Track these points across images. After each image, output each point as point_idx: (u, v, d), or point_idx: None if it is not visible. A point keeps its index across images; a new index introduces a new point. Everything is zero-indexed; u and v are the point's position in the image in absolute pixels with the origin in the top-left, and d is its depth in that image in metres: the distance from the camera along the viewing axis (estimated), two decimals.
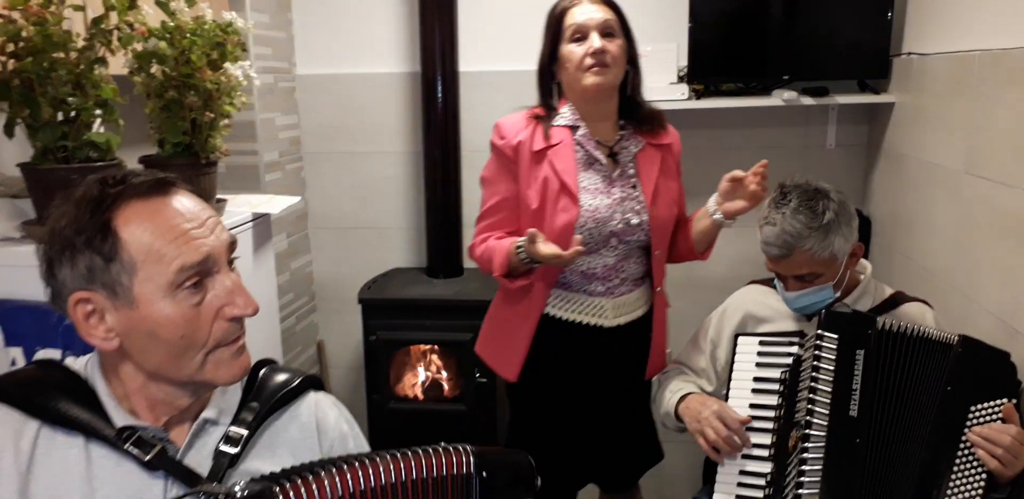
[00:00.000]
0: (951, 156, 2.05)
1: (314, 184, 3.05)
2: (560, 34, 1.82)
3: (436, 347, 2.80)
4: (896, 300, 1.80)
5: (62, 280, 0.97)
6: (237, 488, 0.92)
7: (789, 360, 1.68)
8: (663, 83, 2.60)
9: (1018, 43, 1.73)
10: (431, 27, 2.69)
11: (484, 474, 1.04)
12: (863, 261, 1.84)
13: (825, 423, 1.55)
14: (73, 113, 1.52)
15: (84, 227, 0.95)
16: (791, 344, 1.71)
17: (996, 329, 1.80)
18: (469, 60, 2.79)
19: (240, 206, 2.00)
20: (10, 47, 1.45)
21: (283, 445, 1.11)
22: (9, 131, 1.52)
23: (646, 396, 2.07)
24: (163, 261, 0.95)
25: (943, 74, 2.13)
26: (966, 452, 1.50)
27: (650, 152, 1.90)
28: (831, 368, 1.58)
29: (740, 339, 1.80)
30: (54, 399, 1.00)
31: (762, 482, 1.62)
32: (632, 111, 1.91)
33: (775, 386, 1.68)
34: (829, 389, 1.57)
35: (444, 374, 2.83)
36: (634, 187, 1.87)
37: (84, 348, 1.00)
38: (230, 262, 1.04)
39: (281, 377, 1.15)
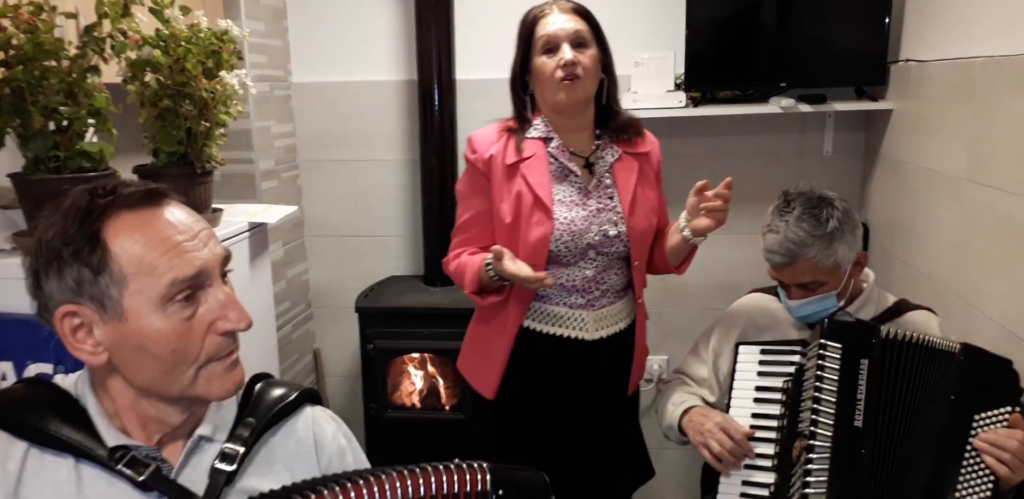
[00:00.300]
0: (952, 163, 2.04)
1: (310, 192, 3.03)
2: (531, 45, 1.78)
3: (433, 356, 2.78)
4: (900, 308, 1.79)
5: (49, 293, 0.95)
6: None
7: (791, 369, 1.67)
8: (660, 91, 2.59)
9: (1020, 50, 1.72)
10: (428, 35, 2.68)
11: (500, 492, 1.00)
12: (866, 269, 1.82)
13: (830, 433, 1.53)
14: (65, 122, 1.50)
15: (72, 238, 0.93)
16: (793, 353, 1.70)
17: (1000, 337, 1.79)
18: (466, 68, 2.78)
19: (236, 216, 1.99)
20: (0, 55, 1.43)
21: (280, 461, 1.09)
22: None
23: (633, 411, 2.04)
24: (154, 274, 0.93)
25: (943, 81, 2.12)
26: (971, 461, 1.49)
27: (627, 161, 1.86)
28: (835, 378, 1.56)
29: (741, 348, 1.78)
30: (43, 419, 0.97)
31: (766, 493, 1.61)
32: (609, 120, 1.88)
33: (777, 395, 1.67)
34: (833, 399, 1.55)
35: (442, 383, 2.81)
36: (611, 198, 1.83)
37: (76, 363, 0.98)
38: (223, 275, 1.02)
39: (277, 391, 1.13)
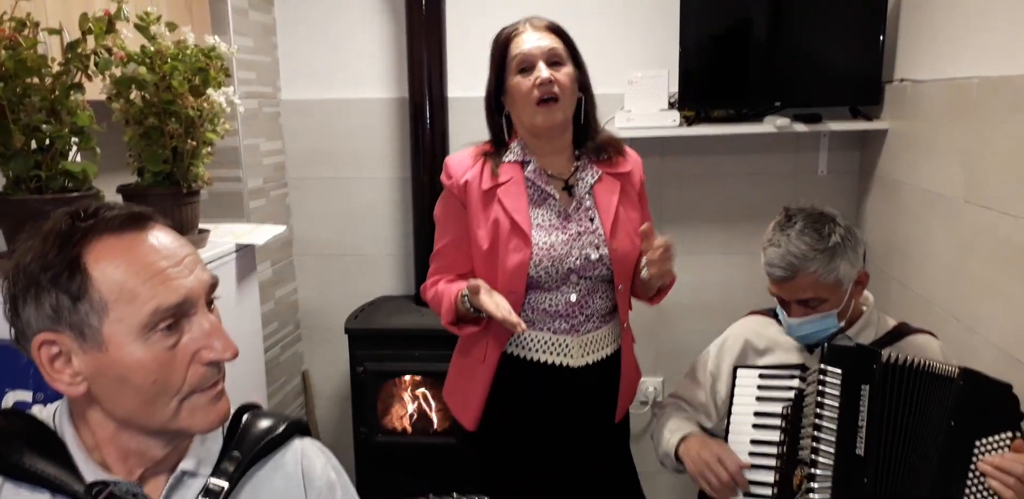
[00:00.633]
0: (949, 184, 2.03)
1: (299, 211, 2.99)
2: (506, 65, 1.73)
3: (425, 378, 2.74)
4: (900, 332, 1.76)
5: (26, 320, 0.91)
6: None
7: (790, 394, 1.64)
8: (654, 110, 2.57)
9: (1018, 71, 1.71)
10: (419, 52, 2.66)
11: None
12: (866, 293, 1.79)
13: (831, 462, 1.51)
14: (47, 141, 1.46)
15: (51, 263, 0.89)
16: (792, 377, 1.67)
17: (998, 360, 1.77)
18: (458, 85, 2.75)
19: (223, 236, 1.95)
20: None
21: (267, 497, 1.05)
22: None
23: (623, 438, 1.97)
24: (136, 302, 0.89)
25: (938, 101, 2.11)
26: (974, 489, 1.46)
27: (608, 182, 1.80)
28: (835, 404, 1.54)
29: (739, 371, 1.75)
30: (18, 452, 0.93)
31: None
32: (587, 139, 1.82)
33: (776, 421, 1.64)
34: (834, 426, 1.53)
35: (433, 406, 2.76)
36: (591, 220, 1.77)
37: (57, 392, 0.94)
38: (210, 302, 0.98)
39: (265, 423, 1.09)
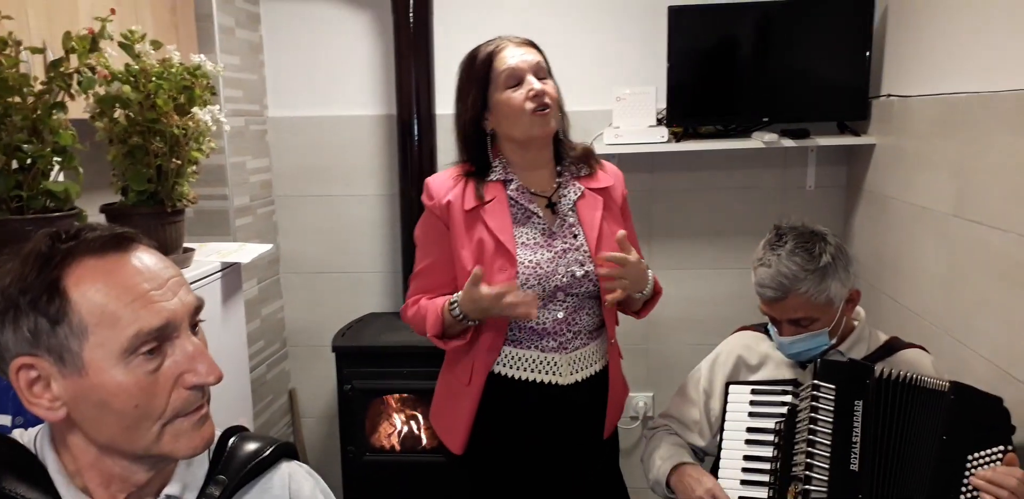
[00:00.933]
0: (939, 199, 2.03)
1: (286, 228, 2.97)
2: (491, 81, 1.72)
3: (413, 396, 2.71)
4: (892, 346, 1.75)
5: (4, 343, 0.88)
6: None
7: (783, 409, 1.63)
8: (642, 126, 2.58)
9: (1007, 86, 1.72)
10: (407, 69, 2.66)
11: None
12: (858, 308, 1.79)
13: (825, 478, 1.50)
14: (29, 161, 1.44)
15: (30, 286, 0.87)
16: (785, 393, 1.66)
17: (991, 375, 1.76)
18: (446, 102, 2.74)
19: (209, 255, 1.92)
20: None
21: None
22: None
23: (613, 454, 1.95)
24: (118, 326, 0.87)
25: (926, 116, 2.12)
26: None
27: (591, 198, 1.80)
28: (829, 420, 1.53)
29: (731, 387, 1.74)
30: (0, 477, 0.91)
31: None
32: (564, 153, 1.82)
33: (769, 437, 1.63)
34: (828, 442, 1.52)
35: (422, 423, 2.74)
36: (575, 237, 1.76)
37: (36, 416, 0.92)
38: (194, 325, 0.96)
39: (251, 446, 1.06)
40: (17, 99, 1.43)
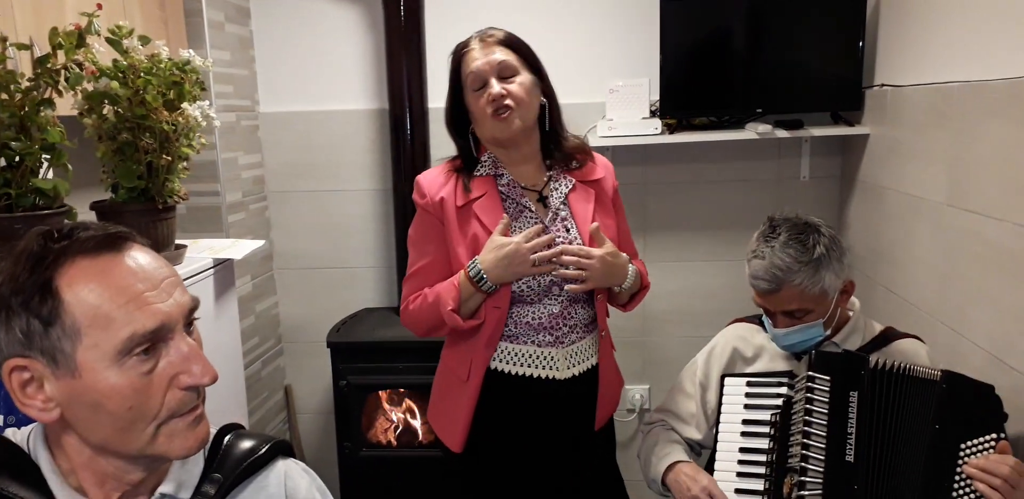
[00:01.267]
0: (932, 188, 2.03)
1: (279, 224, 2.96)
2: (461, 84, 1.73)
3: (409, 391, 2.71)
4: (887, 337, 1.75)
5: None
6: None
7: (778, 401, 1.63)
8: (635, 118, 2.57)
9: (998, 75, 1.71)
10: (398, 63, 2.64)
11: None
12: (853, 298, 1.79)
13: (821, 469, 1.50)
14: (17, 158, 1.43)
15: (22, 287, 0.86)
16: (780, 385, 1.66)
17: (986, 364, 1.76)
18: (438, 96, 2.73)
19: (201, 251, 1.91)
20: None
21: None
22: None
23: (610, 446, 1.95)
24: (111, 327, 0.86)
25: (920, 106, 2.11)
26: (961, 493, 1.45)
27: (582, 191, 1.79)
28: (824, 411, 1.53)
29: (727, 380, 1.74)
30: None
31: None
32: (555, 146, 1.80)
33: (765, 429, 1.63)
34: (823, 433, 1.52)
35: (418, 419, 2.73)
36: (568, 230, 1.76)
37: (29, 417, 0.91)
38: (189, 323, 0.95)
39: (247, 444, 1.06)
40: (4, 96, 1.42)
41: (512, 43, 1.74)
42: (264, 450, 1.05)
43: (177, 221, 1.83)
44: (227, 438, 1.06)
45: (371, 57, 2.83)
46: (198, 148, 1.75)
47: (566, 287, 1.71)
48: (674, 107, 2.58)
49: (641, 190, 2.81)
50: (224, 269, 1.93)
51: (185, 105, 1.68)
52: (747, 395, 1.70)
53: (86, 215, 1.67)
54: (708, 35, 2.57)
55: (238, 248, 1.95)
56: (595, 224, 1.71)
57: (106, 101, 1.61)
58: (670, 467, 1.72)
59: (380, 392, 2.71)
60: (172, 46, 1.73)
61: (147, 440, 0.90)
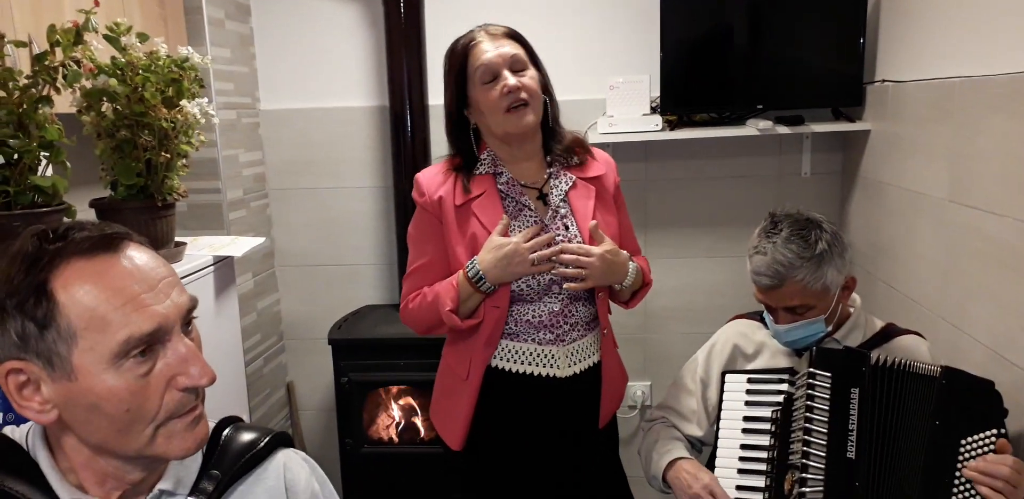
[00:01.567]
0: (934, 184, 2.02)
1: (280, 221, 2.96)
2: (467, 77, 1.69)
3: (410, 388, 2.71)
4: (888, 333, 1.75)
5: None
6: None
7: (779, 398, 1.63)
8: (636, 114, 2.56)
9: (999, 70, 1.71)
10: (398, 60, 2.64)
11: None
12: (854, 295, 1.78)
13: (822, 466, 1.49)
14: (15, 156, 1.43)
15: (16, 289, 0.85)
16: (781, 382, 1.65)
17: (987, 360, 1.75)
18: (438, 93, 2.72)
19: (201, 249, 1.91)
20: None
21: None
22: None
23: (612, 443, 1.94)
24: (107, 330, 0.85)
25: (921, 101, 2.11)
26: (962, 488, 1.45)
27: (582, 188, 1.77)
28: (825, 408, 1.52)
29: (728, 377, 1.74)
30: None
31: None
32: (554, 142, 1.79)
33: (766, 426, 1.63)
34: (824, 430, 1.51)
35: (420, 415, 2.73)
36: (567, 228, 1.74)
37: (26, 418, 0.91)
38: (188, 323, 0.94)
39: (246, 438, 1.05)
40: (2, 93, 1.42)
41: (517, 37, 1.73)
42: (263, 444, 1.05)
43: (178, 218, 1.83)
44: (226, 432, 1.05)
45: (371, 54, 2.82)
46: (197, 145, 1.75)
47: (565, 286, 1.70)
48: (675, 103, 2.57)
49: (642, 187, 2.81)
50: (224, 266, 1.92)
51: (184, 102, 1.68)
52: (748, 392, 1.69)
53: (85, 212, 1.67)
54: (708, 31, 2.56)
55: (238, 245, 1.95)
56: (594, 222, 1.70)
57: (104, 98, 1.61)
58: (671, 464, 1.71)
59: (381, 389, 2.71)
60: (172, 43, 1.73)
61: (145, 441, 0.90)
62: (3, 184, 1.42)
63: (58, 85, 1.49)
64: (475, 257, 1.67)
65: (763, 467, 1.61)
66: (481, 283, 1.66)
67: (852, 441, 1.50)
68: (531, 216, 1.74)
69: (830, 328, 1.69)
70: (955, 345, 1.90)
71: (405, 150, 2.68)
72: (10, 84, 1.42)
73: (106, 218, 1.71)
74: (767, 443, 1.62)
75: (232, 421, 1.08)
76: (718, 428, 1.70)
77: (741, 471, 1.64)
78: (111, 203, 1.70)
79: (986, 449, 1.46)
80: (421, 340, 2.54)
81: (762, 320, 1.81)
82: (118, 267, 0.88)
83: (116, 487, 0.94)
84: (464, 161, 1.76)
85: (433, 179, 1.75)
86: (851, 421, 1.51)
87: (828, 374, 1.54)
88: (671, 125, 2.59)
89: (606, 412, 1.85)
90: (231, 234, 2.59)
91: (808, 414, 1.52)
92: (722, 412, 1.70)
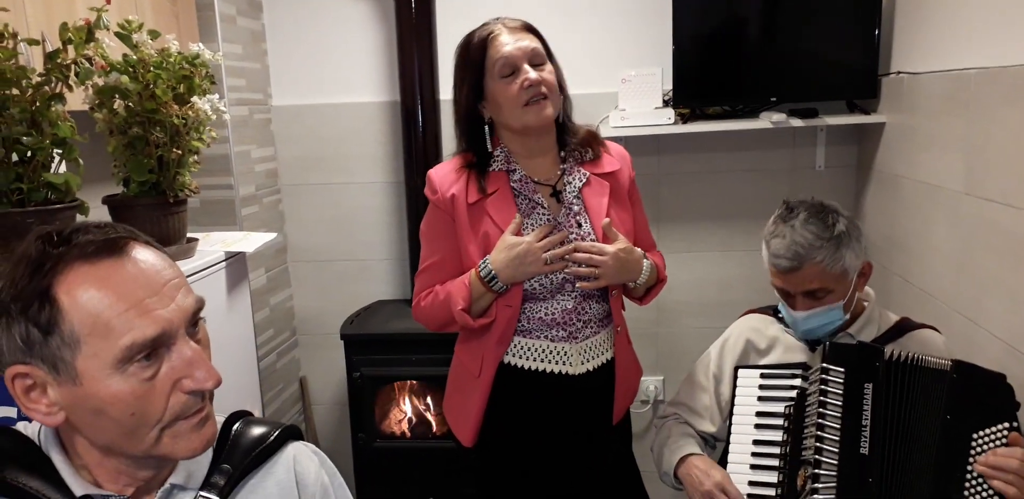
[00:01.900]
0: (949, 177, 2.00)
1: (293, 217, 2.96)
2: (484, 70, 1.67)
3: (422, 383, 2.71)
4: (903, 327, 1.73)
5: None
6: None
7: (792, 393, 1.62)
8: (648, 108, 2.55)
9: (1016, 61, 1.68)
10: (410, 55, 2.63)
11: None
12: (868, 289, 1.77)
13: (835, 462, 1.48)
14: (28, 153, 1.43)
15: (21, 293, 0.85)
16: (794, 377, 1.64)
17: (1003, 354, 1.74)
18: (450, 88, 2.71)
19: (213, 245, 1.92)
20: None
21: None
22: None
23: (626, 440, 1.93)
24: (111, 336, 0.85)
25: (936, 93, 2.08)
26: (974, 482, 1.44)
27: (596, 184, 1.75)
28: (839, 403, 1.52)
29: (740, 372, 1.73)
30: (3, 468, 0.91)
31: None
32: (568, 137, 1.77)
33: (779, 421, 1.62)
34: (838, 426, 1.50)
35: (432, 410, 2.74)
36: (580, 225, 1.73)
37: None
38: (194, 323, 0.94)
39: (256, 432, 1.06)
40: (15, 91, 1.42)
41: (534, 31, 1.71)
42: (273, 437, 1.05)
43: (191, 214, 1.84)
44: (236, 426, 1.05)
45: (383, 49, 2.82)
46: (208, 142, 1.76)
47: (578, 284, 1.69)
48: (687, 96, 2.55)
49: (654, 180, 2.80)
50: (236, 262, 1.93)
51: (195, 99, 1.69)
52: (761, 387, 1.68)
53: (98, 209, 1.68)
54: (721, 23, 2.54)
55: (250, 241, 1.96)
56: (607, 219, 1.69)
57: (116, 96, 1.61)
58: (682, 460, 1.71)
59: (394, 384, 2.72)
60: (183, 40, 1.74)
61: (151, 443, 0.90)
62: (16, 181, 1.43)
63: (70, 82, 1.50)
64: (487, 257, 1.66)
65: (776, 463, 1.60)
66: (493, 283, 1.66)
67: (865, 437, 1.49)
68: (544, 214, 1.73)
69: (847, 316, 1.68)
70: (970, 339, 1.88)
71: (416, 145, 2.68)
72: (23, 82, 1.42)
73: (118, 214, 1.71)
74: (780, 439, 1.61)
75: (242, 415, 1.08)
76: (730, 423, 1.69)
77: (754, 467, 1.63)
78: (123, 200, 1.71)
79: (998, 442, 1.45)
80: (433, 335, 2.52)
81: (775, 315, 1.80)
82: (122, 271, 0.88)
83: (130, 483, 0.95)
84: (477, 158, 1.75)
85: (446, 177, 1.74)
86: (864, 416, 1.50)
87: (842, 369, 1.53)
88: (684, 118, 2.58)
89: (620, 408, 1.84)
90: (244, 230, 2.60)
91: (821, 409, 1.51)
92: (735, 407, 1.69)
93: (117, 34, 1.60)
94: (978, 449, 1.45)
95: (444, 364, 1.92)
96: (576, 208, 1.74)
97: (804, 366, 1.64)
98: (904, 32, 2.34)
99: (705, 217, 2.83)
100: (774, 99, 2.53)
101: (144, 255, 0.91)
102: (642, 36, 2.70)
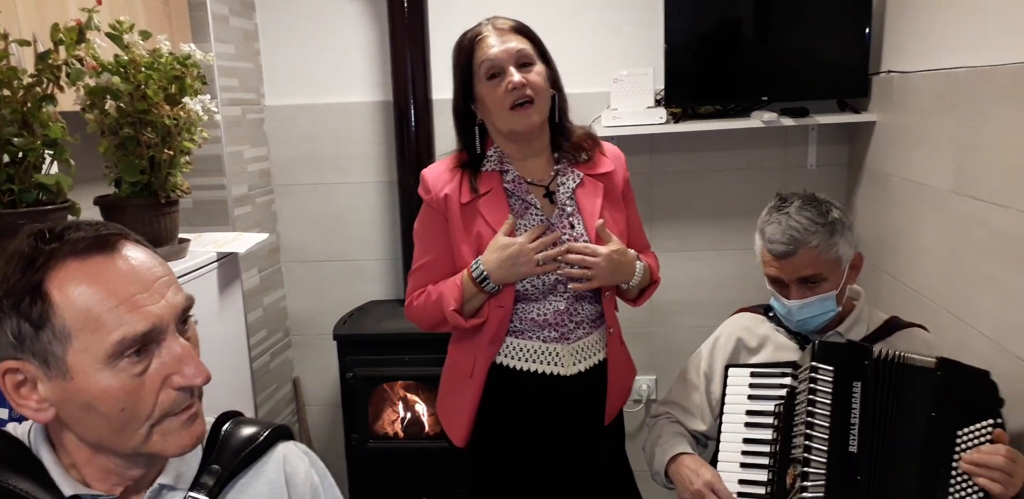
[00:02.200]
0: (939, 175, 2.01)
1: (286, 217, 2.97)
2: (472, 72, 1.66)
3: (415, 383, 2.72)
4: (892, 326, 1.74)
5: None
6: None
7: (782, 392, 1.62)
8: (640, 107, 2.56)
9: (1005, 60, 1.69)
10: (402, 54, 2.64)
11: None
12: (857, 287, 1.78)
13: (824, 460, 1.49)
14: (20, 154, 1.44)
15: (12, 289, 0.86)
16: (784, 375, 1.65)
17: (992, 353, 1.75)
18: (442, 87, 2.72)
19: (205, 245, 1.92)
20: None
21: None
22: None
23: (618, 440, 1.94)
24: (101, 331, 0.86)
25: (926, 92, 2.09)
26: (959, 480, 1.45)
27: (590, 185, 1.74)
28: (828, 402, 1.52)
29: (731, 370, 1.73)
30: None
31: None
32: (563, 138, 1.77)
33: (769, 419, 1.63)
34: (827, 424, 1.51)
35: (425, 410, 2.74)
36: (573, 227, 1.72)
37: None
38: (184, 321, 0.94)
39: (246, 432, 1.06)
40: (6, 92, 1.43)
41: (526, 31, 1.70)
42: (263, 438, 1.06)
43: (184, 215, 1.84)
44: (226, 426, 1.06)
45: (375, 49, 2.82)
46: (200, 142, 1.76)
47: (570, 286, 1.70)
48: (679, 96, 2.56)
49: (647, 179, 2.80)
50: (229, 262, 1.93)
51: (186, 99, 1.69)
52: (751, 386, 1.69)
53: (89, 210, 1.68)
54: (713, 23, 2.55)
55: (242, 241, 1.96)
56: (601, 221, 1.69)
57: (108, 96, 1.61)
58: (673, 459, 1.71)
59: (387, 384, 2.72)
60: (176, 40, 1.74)
61: (141, 439, 0.90)
62: (8, 182, 1.44)
63: (62, 83, 1.50)
64: (479, 257, 1.67)
65: (766, 461, 1.61)
66: (485, 283, 1.66)
67: (854, 435, 1.50)
68: (537, 215, 1.72)
69: (840, 308, 1.69)
70: (959, 337, 1.89)
71: (409, 145, 2.68)
72: (14, 83, 1.43)
73: (110, 215, 1.72)
74: (769, 437, 1.61)
75: (232, 416, 1.09)
76: (721, 422, 1.70)
77: (744, 465, 1.64)
78: (115, 200, 1.71)
79: (983, 439, 1.45)
80: (426, 335, 2.52)
81: (766, 314, 1.81)
82: (113, 268, 0.89)
83: (119, 482, 0.95)
84: (470, 158, 1.74)
85: (439, 177, 1.74)
86: (853, 415, 1.51)
87: (831, 368, 1.54)
88: (676, 118, 2.59)
89: (612, 409, 1.85)
90: (237, 230, 2.60)
91: (810, 408, 1.52)
92: (725, 406, 1.70)
93: (108, 35, 1.60)
94: (963, 446, 1.46)
95: (437, 364, 1.92)
96: (569, 209, 1.73)
97: (794, 365, 1.65)
98: (895, 31, 2.35)
99: (697, 216, 2.84)
100: (765, 98, 2.55)
101: (135, 252, 0.92)
102: (634, 36, 2.71)
